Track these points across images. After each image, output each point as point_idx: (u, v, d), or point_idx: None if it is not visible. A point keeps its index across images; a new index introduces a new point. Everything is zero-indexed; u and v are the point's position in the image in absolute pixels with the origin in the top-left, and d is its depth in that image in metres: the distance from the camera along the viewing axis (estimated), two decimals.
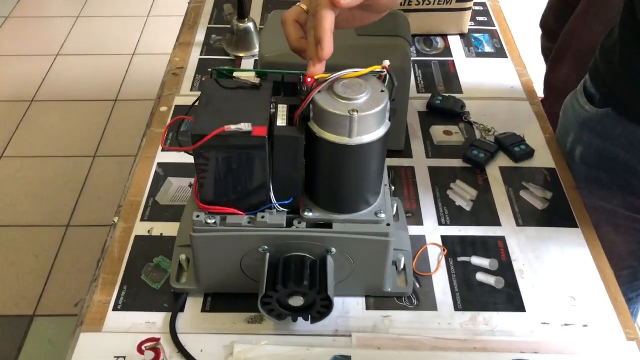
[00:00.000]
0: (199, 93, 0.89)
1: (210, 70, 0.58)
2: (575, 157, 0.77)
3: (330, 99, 0.52)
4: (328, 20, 0.52)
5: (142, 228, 0.70)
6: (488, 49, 1.00)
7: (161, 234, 0.70)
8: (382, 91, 0.53)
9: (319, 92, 0.52)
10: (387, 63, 0.54)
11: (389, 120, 0.54)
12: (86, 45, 2.39)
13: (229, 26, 0.98)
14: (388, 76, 0.55)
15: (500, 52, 0.99)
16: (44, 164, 1.87)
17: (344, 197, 0.57)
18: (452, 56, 0.98)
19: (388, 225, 0.58)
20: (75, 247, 1.62)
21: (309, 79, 0.58)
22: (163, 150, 0.79)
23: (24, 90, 2.15)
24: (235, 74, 0.58)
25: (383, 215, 0.58)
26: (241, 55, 0.97)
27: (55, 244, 1.62)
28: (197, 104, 0.56)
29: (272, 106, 0.55)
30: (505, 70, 0.95)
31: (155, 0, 2.65)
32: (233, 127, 0.51)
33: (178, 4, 2.60)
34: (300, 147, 0.53)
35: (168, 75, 0.94)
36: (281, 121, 0.53)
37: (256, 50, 0.97)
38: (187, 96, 0.89)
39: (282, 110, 0.54)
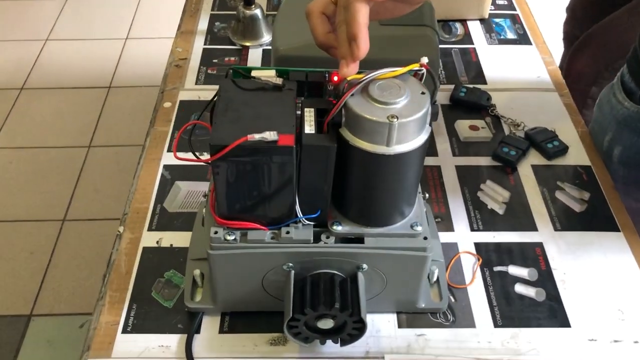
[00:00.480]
0: (204, 87, 0.84)
1: (226, 70, 0.52)
2: (613, 157, 0.72)
3: (366, 103, 0.46)
4: (362, 13, 0.46)
5: (149, 238, 0.65)
6: (510, 35, 0.94)
7: (171, 245, 0.64)
8: (423, 93, 0.47)
9: (352, 95, 0.47)
10: (425, 60, 0.48)
11: (430, 125, 0.48)
12: (76, 29, 2.30)
13: (234, 12, 0.92)
14: (427, 75, 0.49)
15: (523, 39, 0.93)
16: (36, 155, 1.80)
17: (378, 210, 0.51)
18: (472, 43, 0.92)
19: (425, 238, 0.53)
20: (72, 242, 1.56)
21: (336, 78, 0.52)
22: (169, 150, 0.74)
23: (12, 77, 2.07)
24: (253, 73, 0.52)
25: (420, 228, 0.52)
26: (248, 44, 0.90)
27: (51, 239, 1.56)
28: (212, 106, 0.50)
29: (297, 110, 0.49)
30: (530, 58, 0.90)
31: None
32: (257, 136, 0.45)
33: None
34: (332, 156, 0.47)
35: (170, 67, 0.87)
36: (309, 128, 0.47)
37: (264, 39, 0.91)
38: (192, 90, 0.83)
39: (309, 115, 0.48)
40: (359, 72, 0.48)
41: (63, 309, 1.41)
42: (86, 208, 1.64)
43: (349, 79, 0.47)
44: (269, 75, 0.51)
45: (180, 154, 0.52)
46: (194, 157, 0.50)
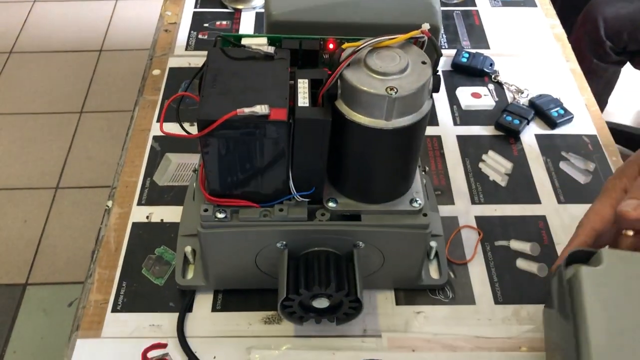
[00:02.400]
0: (194, 52, 0.81)
1: (215, 38, 0.49)
2: None
3: (363, 74, 0.43)
4: None
5: (139, 213, 0.62)
6: None
7: (161, 220, 0.62)
8: (424, 62, 0.44)
9: (348, 65, 0.44)
10: (426, 27, 0.45)
11: (431, 96, 0.45)
12: None
13: None
14: (428, 43, 0.46)
15: (528, 1, 0.89)
16: (27, 121, 1.76)
17: (376, 186, 0.49)
18: (475, 5, 0.88)
19: (425, 215, 0.50)
20: (65, 210, 1.54)
21: (332, 45, 0.49)
22: (158, 120, 0.71)
23: (0, 41, 2.01)
24: (243, 41, 0.49)
25: (419, 204, 0.50)
26: (240, 7, 0.86)
27: (45, 207, 1.54)
28: (200, 76, 0.47)
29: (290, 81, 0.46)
30: (535, 21, 0.86)
31: None
32: (247, 110, 0.42)
33: None
34: (327, 131, 0.45)
35: (159, 32, 0.83)
36: (303, 100, 0.45)
37: (256, 2, 0.87)
38: (182, 56, 0.80)
39: (303, 86, 0.46)
40: (356, 40, 0.45)
41: (58, 277, 1.40)
42: (79, 175, 1.62)
43: (344, 46, 0.44)
44: (260, 43, 0.48)
45: (169, 127, 0.49)
46: (183, 132, 0.47)
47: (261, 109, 0.43)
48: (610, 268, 0.44)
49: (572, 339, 0.43)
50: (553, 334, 0.49)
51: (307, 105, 0.44)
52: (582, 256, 0.46)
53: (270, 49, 0.47)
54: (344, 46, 0.44)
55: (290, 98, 0.45)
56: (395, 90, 0.42)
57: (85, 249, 1.45)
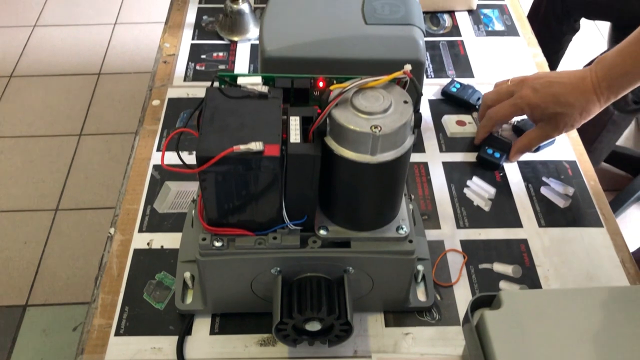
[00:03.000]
0: (192, 83, 0.84)
1: (212, 77, 0.52)
2: None
3: (350, 113, 0.47)
4: None
5: (140, 240, 0.65)
6: (498, 26, 0.94)
7: (161, 247, 0.65)
8: (406, 102, 0.48)
9: (336, 105, 0.47)
10: (408, 68, 0.49)
11: (413, 132, 0.49)
12: (65, 14, 2.27)
13: (221, 6, 0.91)
14: (410, 83, 0.49)
15: (511, 30, 0.93)
16: (27, 144, 1.79)
17: (363, 215, 0.52)
18: (460, 35, 0.92)
19: (410, 241, 0.54)
20: (65, 231, 1.56)
21: (321, 84, 0.53)
22: (158, 149, 0.74)
23: (1, 65, 2.05)
24: (239, 81, 0.52)
25: (404, 231, 0.53)
26: (236, 39, 0.90)
27: (45, 228, 1.57)
28: (199, 112, 0.51)
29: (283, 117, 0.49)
30: (517, 50, 0.90)
31: None
32: (242, 147, 0.46)
33: None
34: (317, 165, 0.48)
35: (158, 63, 0.87)
36: (295, 136, 0.48)
37: (251, 34, 0.90)
38: (180, 87, 0.83)
39: (295, 123, 0.49)
40: (344, 80, 0.49)
41: (58, 298, 1.42)
42: (78, 197, 1.64)
43: (332, 88, 0.48)
44: (254, 82, 0.52)
45: (168, 155, 0.52)
46: (183, 167, 0.50)
47: (256, 146, 0.46)
48: (509, 308, 0.48)
49: None
50: None
51: (299, 141, 0.48)
52: (485, 300, 0.50)
53: (265, 89, 0.51)
54: (332, 87, 0.47)
55: (283, 133, 0.49)
56: (380, 128, 0.45)
57: (85, 270, 1.47)
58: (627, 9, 0.63)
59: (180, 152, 0.51)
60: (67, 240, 1.54)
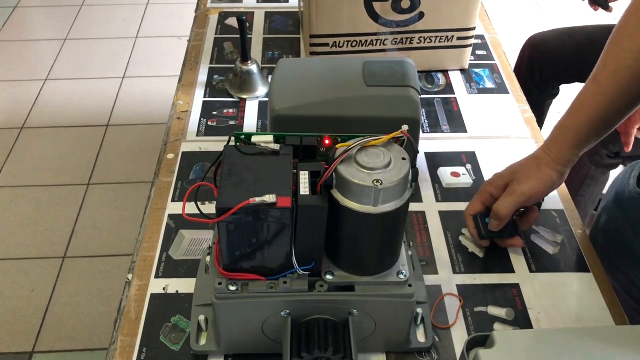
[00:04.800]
0: (205, 138, 0.90)
1: (229, 137, 0.58)
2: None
3: (354, 169, 0.52)
4: None
5: (157, 285, 0.70)
6: (489, 84, 1.01)
7: (177, 291, 0.69)
8: (404, 159, 0.53)
9: (342, 161, 0.53)
10: (405, 128, 0.55)
11: (411, 186, 0.54)
12: (74, 69, 2.37)
13: (232, 66, 0.98)
14: (407, 141, 0.55)
15: (501, 88, 1.00)
16: (37, 193, 1.85)
17: (367, 261, 0.57)
18: (454, 93, 0.99)
19: (410, 286, 0.58)
20: (73, 279, 1.60)
21: (327, 141, 0.58)
22: (173, 200, 0.79)
23: (13, 117, 2.13)
24: (253, 139, 0.58)
25: (404, 277, 0.58)
26: (245, 97, 0.97)
27: (52, 276, 1.60)
28: (216, 168, 0.56)
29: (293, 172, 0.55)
30: (507, 106, 0.96)
31: (143, 21, 2.64)
32: (258, 200, 0.51)
33: (166, 25, 2.60)
34: (324, 215, 0.53)
35: (172, 119, 0.93)
36: (304, 189, 0.53)
37: (259, 92, 0.97)
38: (193, 142, 0.89)
39: (304, 178, 0.54)
40: (348, 139, 0.55)
41: (65, 345, 1.45)
42: (86, 245, 1.69)
43: (338, 146, 0.53)
44: (267, 140, 0.57)
45: (187, 208, 0.57)
46: (202, 217, 0.55)
47: (270, 198, 0.51)
48: (502, 347, 0.52)
49: None
50: None
51: (308, 193, 0.53)
52: (480, 340, 0.54)
53: (276, 146, 0.57)
54: (337, 146, 0.53)
55: (294, 185, 0.54)
56: (381, 182, 0.51)
57: (92, 317, 1.50)
58: None
59: (198, 205, 0.56)
60: (74, 287, 1.58)
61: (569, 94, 1.51)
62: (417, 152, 0.53)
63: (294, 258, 0.56)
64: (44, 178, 1.89)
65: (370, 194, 0.51)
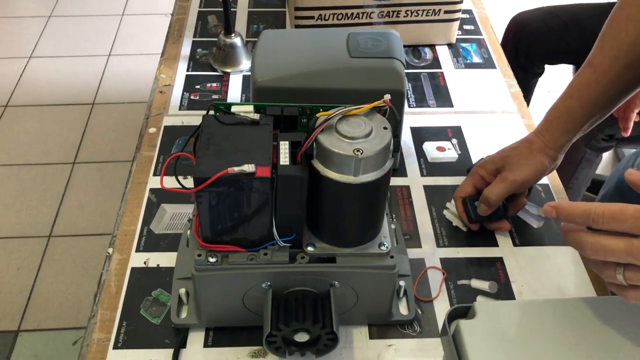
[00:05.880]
0: (187, 112, 0.89)
1: (208, 106, 0.57)
2: None
3: (334, 138, 0.51)
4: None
5: (137, 259, 0.69)
6: (476, 59, 1.00)
7: (158, 265, 0.68)
8: (385, 128, 0.52)
9: (322, 131, 0.52)
10: (387, 97, 0.54)
11: (392, 155, 0.53)
12: (59, 46, 2.33)
13: (215, 39, 0.97)
14: (389, 110, 0.54)
15: (488, 63, 0.99)
16: (21, 172, 1.82)
17: (348, 232, 0.57)
18: (441, 67, 0.98)
19: (392, 257, 0.58)
20: (58, 258, 1.59)
21: (308, 112, 0.57)
22: (154, 174, 0.78)
23: None
24: (233, 109, 0.57)
25: (386, 248, 0.57)
26: (228, 70, 0.95)
27: (37, 255, 1.59)
28: (195, 138, 0.55)
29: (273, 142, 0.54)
30: (494, 81, 0.96)
31: None
32: (236, 169, 0.50)
33: (152, 2, 2.56)
34: (304, 185, 0.52)
35: (154, 93, 0.92)
36: (284, 159, 0.52)
37: (243, 66, 0.96)
38: (175, 116, 0.88)
39: (284, 147, 0.53)
40: (329, 109, 0.54)
41: (50, 324, 1.44)
42: (71, 224, 1.67)
43: (318, 115, 0.52)
44: (247, 110, 0.56)
45: (167, 180, 0.56)
46: (180, 187, 0.54)
47: (248, 168, 0.50)
48: (483, 317, 0.52)
49: None
50: None
51: (288, 163, 0.52)
52: (461, 311, 0.54)
53: (256, 116, 0.55)
54: (317, 115, 0.52)
55: (273, 156, 0.53)
56: (361, 151, 0.50)
57: (78, 296, 1.49)
58: (589, 52, 0.69)
59: (177, 176, 0.55)
60: (60, 266, 1.57)
61: (554, 72, 1.51)
62: (399, 120, 0.52)
63: (274, 229, 0.55)
64: (28, 157, 1.87)
65: (351, 164, 0.50)
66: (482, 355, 0.50)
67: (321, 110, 0.56)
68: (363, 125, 0.52)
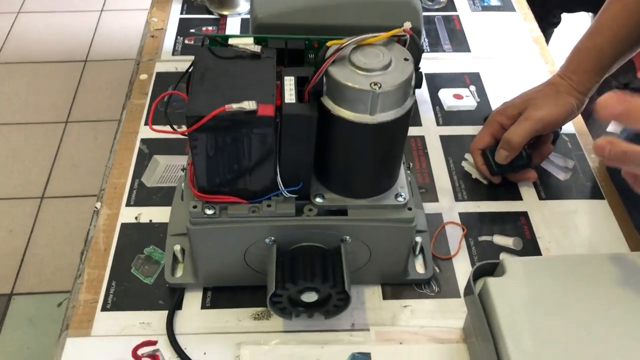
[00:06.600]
0: (181, 57, 0.82)
1: (202, 38, 0.50)
2: None
3: (348, 71, 0.44)
4: None
5: (128, 214, 0.63)
6: (494, 1, 0.92)
7: (150, 221, 0.63)
8: (406, 59, 0.46)
9: (333, 62, 0.45)
10: (408, 25, 0.47)
11: (413, 92, 0.47)
12: (49, 1, 2.23)
13: None
14: (410, 40, 0.47)
15: (507, 5, 0.92)
16: (12, 131, 1.76)
17: (361, 181, 0.50)
18: (456, 10, 0.90)
19: (410, 209, 0.52)
20: (51, 219, 1.53)
21: (316, 45, 0.51)
22: (146, 124, 0.72)
23: None
24: (231, 41, 0.50)
25: (403, 199, 0.51)
26: (225, 13, 0.88)
27: (30, 217, 1.54)
28: (188, 76, 0.48)
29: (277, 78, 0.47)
30: (514, 25, 0.88)
31: None
32: (235, 106, 0.43)
33: None
34: (313, 126, 0.46)
35: (145, 37, 0.84)
36: (289, 97, 0.46)
37: (241, 8, 0.88)
38: (168, 61, 0.81)
39: (290, 84, 0.47)
40: (340, 38, 0.47)
41: (44, 287, 1.40)
42: (65, 185, 1.61)
43: (328, 44, 0.45)
44: (246, 42, 0.49)
45: (157, 127, 0.50)
46: (171, 129, 0.48)
47: (249, 105, 0.44)
48: (513, 275, 0.47)
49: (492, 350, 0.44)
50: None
51: (294, 101, 0.46)
52: (488, 268, 0.49)
53: (257, 48, 0.49)
54: (328, 44, 0.45)
55: (277, 96, 0.46)
56: (379, 85, 0.43)
57: (72, 259, 1.44)
58: None
59: (169, 119, 0.48)
60: (53, 228, 1.51)
61: (572, 23, 1.43)
62: (422, 51, 0.46)
63: (278, 178, 0.49)
64: (19, 116, 1.80)
65: (367, 100, 0.44)
66: (513, 315, 0.45)
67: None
68: (381, 55, 0.45)
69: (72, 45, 2.04)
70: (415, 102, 0.74)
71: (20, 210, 1.55)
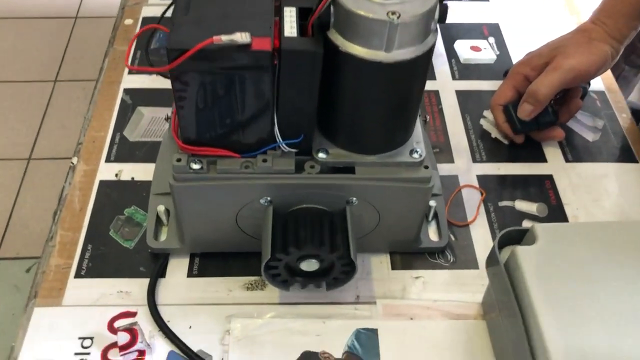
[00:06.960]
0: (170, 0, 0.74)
1: None
2: None
3: None
4: None
5: (107, 171, 0.57)
6: None
7: (132, 178, 0.56)
8: None
9: None
10: None
11: (437, 27, 0.40)
12: None
13: None
14: None
15: None
16: None
17: (372, 134, 0.44)
18: None
19: (426, 167, 0.45)
20: (38, 182, 1.47)
21: None
22: (130, 72, 0.64)
23: None
24: None
25: (419, 155, 0.45)
26: None
27: (16, 179, 1.47)
28: (172, 8, 0.41)
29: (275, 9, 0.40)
30: None
31: None
32: (224, 38, 0.36)
33: None
34: (317, 65, 0.39)
35: None
36: (290, 30, 0.39)
37: None
38: (156, 5, 0.73)
39: (290, 15, 0.40)
40: None
41: (31, 252, 1.34)
42: (52, 146, 1.54)
43: None
44: None
45: (141, 79, 0.43)
46: (151, 66, 0.41)
47: (242, 37, 0.37)
48: (545, 243, 0.41)
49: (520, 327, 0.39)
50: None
51: (295, 35, 0.38)
52: (515, 236, 0.43)
53: None
54: None
55: (276, 32, 0.39)
56: (398, 14, 0.36)
57: None
58: None
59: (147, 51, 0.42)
60: (40, 191, 1.45)
61: None
62: None
63: (275, 128, 0.42)
64: (5, 74, 1.72)
65: (383, 32, 0.37)
66: (546, 288, 0.39)
67: None
68: None
69: (63, 0, 1.95)
70: (445, 22, 0.67)
71: (6, 172, 1.48)
